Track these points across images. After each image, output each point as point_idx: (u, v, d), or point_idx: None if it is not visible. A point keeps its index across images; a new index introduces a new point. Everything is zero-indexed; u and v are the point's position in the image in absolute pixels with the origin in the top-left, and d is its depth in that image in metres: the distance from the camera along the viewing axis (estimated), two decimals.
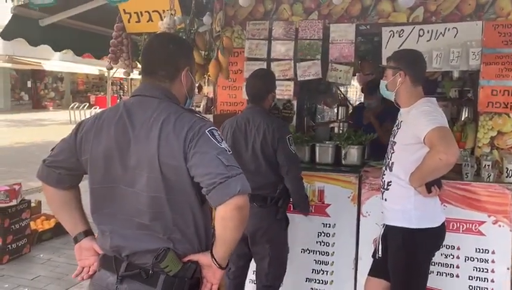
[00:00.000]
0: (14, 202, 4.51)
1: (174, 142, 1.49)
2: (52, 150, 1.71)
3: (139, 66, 4.53)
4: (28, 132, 15.22)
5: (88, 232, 1.74)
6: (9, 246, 4.48)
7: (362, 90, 4.67)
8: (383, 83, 2.61)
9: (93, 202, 1.64)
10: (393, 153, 2.53)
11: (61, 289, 3.89)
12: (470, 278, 3.04)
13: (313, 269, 3.32)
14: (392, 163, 2.52)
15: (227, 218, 1.45)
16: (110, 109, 1.66)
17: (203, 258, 1.56)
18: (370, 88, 4.36)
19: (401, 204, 2.47)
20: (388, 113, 3.86)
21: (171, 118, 1.53)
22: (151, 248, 1.54)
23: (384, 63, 3.32)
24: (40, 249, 4.84)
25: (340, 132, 3.89)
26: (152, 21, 3.56)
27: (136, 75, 5.07)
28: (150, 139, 1.51)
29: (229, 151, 1.52)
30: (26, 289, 3.90)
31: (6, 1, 3.91)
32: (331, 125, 4.26)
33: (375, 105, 4.31)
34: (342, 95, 5.90)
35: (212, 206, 1.49)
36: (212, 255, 1.55)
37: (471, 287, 3.04)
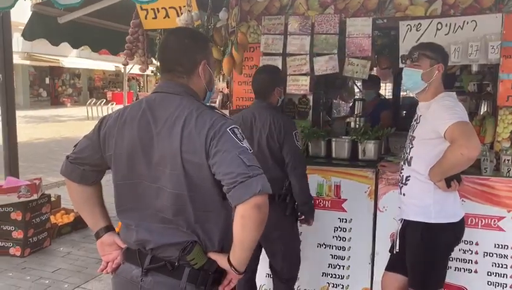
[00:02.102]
0: (34, 197, 4.59)
1: (196, 139, 1.50)
2: (75, 146, 1.73)
3: (155, 62, 4.59)
4: (46, 128, 15.47)
5: (109, 228, 1.76)
6: (31, 239, 4.58)
7: (363, 82, 5.01)
8: (414, 72, 2.44)
9: (118, 197, 1.67)
10: (412, 147, 2.51)
11: (80, 282, 3.97)
12: (489, 273, 3.01)
13: (329, 264, 3.32)
14: (411, 158, 2.50)
15: (247, 217, 1.45)
16: (132, 106, 1.67)
17: (221, 262, 1.56)
18: (371, 79, 4.72)
19: (421, 199, 2.46)
20: (384, 104, 4.93)
21: (193, 114, 1.54)
22: (176, 241, 1.56)
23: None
24: (59, 242, 4.94)
25: (357, 126, 3.87)
26: (169, 17, 3.59)
27: (150, 72, 5.12)
28: (173, 136, 1.53)
29: (250, 150, 1.53)
30: (47, 281, 3.98)
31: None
32: (347, 120, 4.23)
33: (373, 96, 4.78)
34: (359, 90, 5.87)
35: (232, 205, 1.49)
36: (229, 261, 1.54)
37: (489, 283, 3.01)
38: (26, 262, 4.40)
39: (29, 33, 4.33)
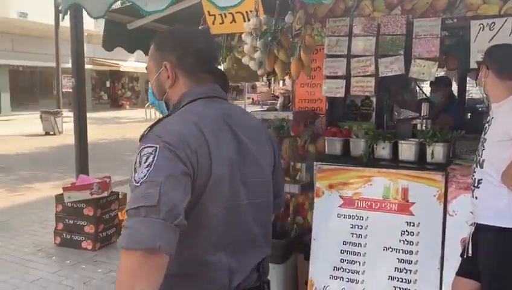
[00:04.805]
0: (105, 194, 4.86)
1: (274, 144, 1.61)
2: (157, 203, 1.15)
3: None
4: (108, 130, 16.22)
5: None
6: (101, 234, 4.85)
7: (430, 84, 4.94)
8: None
9: (213, 231, 1.34)
10: (483, 150, 2.46)
11: None
12: None
13: (395, 268, 3.26)
14: (483, 160, 2.45)
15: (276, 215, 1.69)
16: (207, 117, 1.37)
17: None
18: (438, 81, 4.59)
19: (493, 203, 2.39)
20: (449, 107, 4.65)
21: (257, 120, 1.64)
22: (256, 261, 1.46)
23: (472, 58, 3.22)
24: None
25: (423, 128, 3.77)
26: (235, 22, 3.68)
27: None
28: (264, 144, 1.52)
29: None
30: None
31: None
32: (413, 121, 4.14)
33: (439, 99, 4.62)
34: (422, 92, 5.73)
35: (277, 210, 1.67)
36: None
37: None
38: (97, 255, 4.66)
39: (108, 43, 4.52)
